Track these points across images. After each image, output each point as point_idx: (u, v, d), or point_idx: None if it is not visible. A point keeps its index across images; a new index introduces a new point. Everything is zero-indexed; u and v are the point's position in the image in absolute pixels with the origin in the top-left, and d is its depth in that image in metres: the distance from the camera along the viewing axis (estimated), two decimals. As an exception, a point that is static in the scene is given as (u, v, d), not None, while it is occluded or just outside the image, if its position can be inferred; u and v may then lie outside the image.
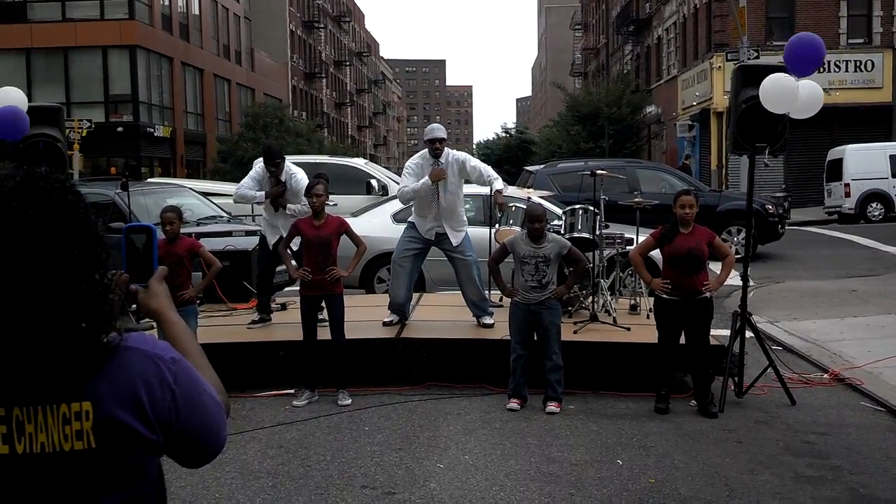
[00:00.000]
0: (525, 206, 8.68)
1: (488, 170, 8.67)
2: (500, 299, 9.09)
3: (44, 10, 37.54)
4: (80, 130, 27.79)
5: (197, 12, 46.35)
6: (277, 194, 8.70)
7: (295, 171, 8.86)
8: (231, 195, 17.79)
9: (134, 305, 1.96)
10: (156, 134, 39.41)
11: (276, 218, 8.84)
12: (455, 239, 8.57)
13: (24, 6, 37.75)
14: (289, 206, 8.69)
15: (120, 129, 37.02)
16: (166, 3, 41.90)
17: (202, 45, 46.45)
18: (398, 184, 16.30)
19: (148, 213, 11.12)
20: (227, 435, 1.80)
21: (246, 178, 9.07)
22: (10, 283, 1.51)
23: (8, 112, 7.97)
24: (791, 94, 7.02)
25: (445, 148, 8.57)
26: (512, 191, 13.04)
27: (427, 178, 8.38)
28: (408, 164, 8.79)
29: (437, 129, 8.64)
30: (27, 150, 8.36)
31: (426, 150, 8.60)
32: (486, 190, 10.82)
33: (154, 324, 1.97)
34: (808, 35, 7.27)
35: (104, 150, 36.37)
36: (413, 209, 8.83)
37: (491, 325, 8.47)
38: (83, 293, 1.57)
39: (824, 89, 7.58)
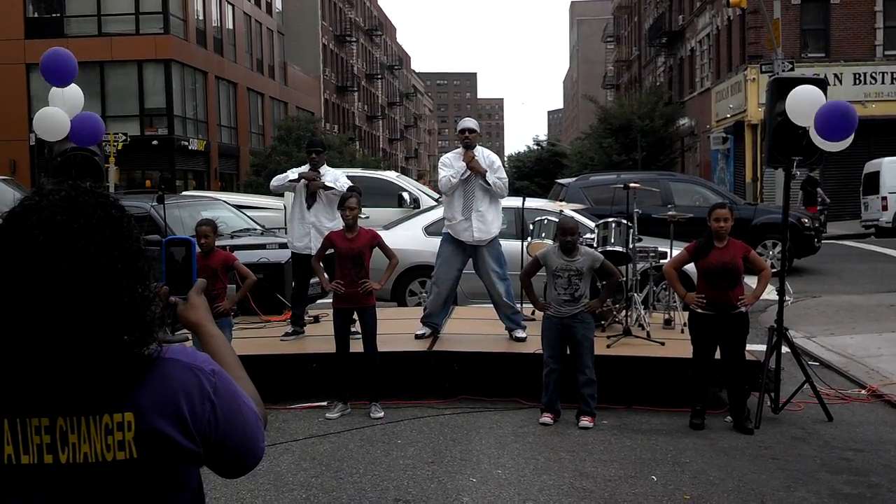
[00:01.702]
0: (557, 220, 8.66)
1: (503, 178, 8.68)
2: (533, 313, 9.06)
3: (80, 25, 38.13)
4: (115, 144, 28.13)
5: (231, 27, 46.88)
6: (311, 178, 8.82)
7: (338, 172, 9.27)
8: (264, 207, 17.98)
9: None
10: (190, 147, 39.84)
11: (306, 215, 8.90)
12: (485, 234, 8.56)
13: (61, 21, 38.39)
14: (326, 184, 8.81)
15: (155, 142, 37.48)
16: (201, 18, 42.40)
17: (236, 59, 46.95)
18: (429, 196, 16.47)
19: (183, 226, 11.23)
20: (264, 446, 1.82)
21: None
22: (56, 296, 1.53)
23: (88, 118, 8.27)
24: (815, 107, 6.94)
25: (478, 146, 8.66)
26: (544, 204, 13.05)
27: (462, 162, 8.51)
28: (442, 158, 8.95)
29: (467, 121, 8.85)
30: (65, 163, 8.47)
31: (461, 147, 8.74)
32: (517, 202, 10.86)
33: (189, 335, 1.99)
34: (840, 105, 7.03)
35: (139, 163, 36.84)
36: (444, 214, 8.85)
37: (523, 339, 8.44)
38: (126, 306, 1.59)
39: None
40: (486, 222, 8.57)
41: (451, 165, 8.65)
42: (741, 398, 7.05)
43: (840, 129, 6.85)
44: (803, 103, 6.97)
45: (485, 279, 8.69)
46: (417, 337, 8.55)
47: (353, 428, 7.12)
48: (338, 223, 8.28)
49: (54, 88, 8.46)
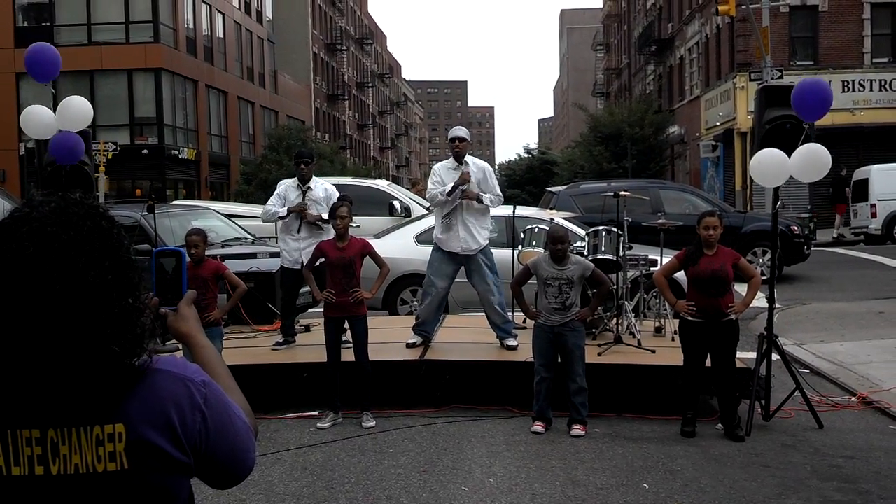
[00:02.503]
0: (547, 228, 8.68)
1: (496, 190, 8.79)
2: (524, 321, 9.06)
3: (70, 34, 38.03)
4: (105, 153, 28.06)
5: (221, 36, 46.84)
6: (300, 210, 8.76)
7: (327, 184, 9.13)
8: (255, 216, 17.94)
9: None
10: (180, 156, 39.75)
11: (295, 239, 8.86)
12: (472, 244, 8.58)
13: (51, 30, 38.29)
14: (321, 216, 8.73)
15: (145, 151, 37.38)
16: (191, 26, 42.37)
17: (226, 68, 46.90)
18: (420, 205, 16.47)
19: (173, 235, 11.20)
20: (255, 457, 1.81)
21: (272, 197, 9.14)
22: (46, 307, 1.53)
23: (69, 138, 8.21)
24: (780, 168, 7.02)
25: (469, 156, 8.73)
26: (534, 212, 13.07)
27: (454, 181, 8.51)
28: (434, 169, 8.97)
29: (456, 129, 8.95)
30: (54, 173, 8.46)
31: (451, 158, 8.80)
32: (508, 211, 10.88)
33: (179, 346, 1.99)
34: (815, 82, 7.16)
35: (129, 172, 36.73)
36: (436, 223, 8.85)
37: (515, 347, 8.44)
38: (116, 317, 1.59)
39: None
40: (473, 233, 8.59)
41: (441, 180, 8.64)
42: (732, 405, 7.06)
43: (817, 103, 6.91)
44: (767, 167, 7.06)
45: (476, 287, 8.70)
46: (409, 346, 8.54)
47: (344, 437, 7.11)
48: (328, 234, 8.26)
49: (63, 102, 8.43)
